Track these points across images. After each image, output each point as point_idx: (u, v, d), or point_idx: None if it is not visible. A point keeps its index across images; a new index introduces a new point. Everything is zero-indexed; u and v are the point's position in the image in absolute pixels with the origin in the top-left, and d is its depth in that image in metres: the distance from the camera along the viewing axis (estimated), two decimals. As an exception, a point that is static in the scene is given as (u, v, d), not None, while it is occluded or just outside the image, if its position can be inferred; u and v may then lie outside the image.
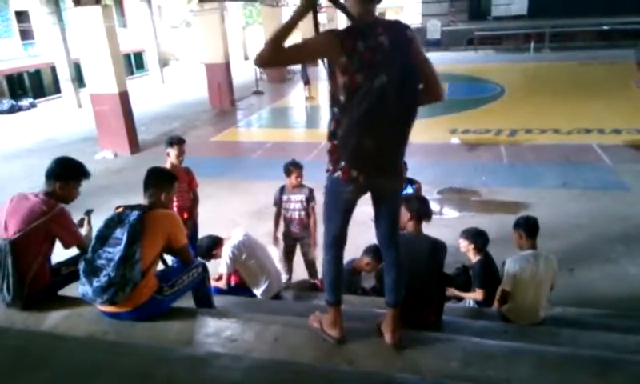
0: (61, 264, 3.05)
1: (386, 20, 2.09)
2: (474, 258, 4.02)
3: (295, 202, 4.80)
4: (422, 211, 3.14)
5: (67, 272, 3.00)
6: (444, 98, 2.21)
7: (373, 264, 4.26)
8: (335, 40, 1.99)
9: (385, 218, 2.39)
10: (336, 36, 2.01)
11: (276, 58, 2.05)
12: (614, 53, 22.16)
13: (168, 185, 2.95)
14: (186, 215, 4.68)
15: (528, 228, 3.49)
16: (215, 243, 4.03)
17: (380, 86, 1.91)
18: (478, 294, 3.97)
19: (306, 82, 16.53)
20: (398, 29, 2.04)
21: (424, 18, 30.60)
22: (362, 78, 1.95)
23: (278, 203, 4.90)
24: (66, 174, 2.94)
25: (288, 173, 4.75)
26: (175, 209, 4.40)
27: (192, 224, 4.83)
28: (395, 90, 1.92)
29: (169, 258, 3.05)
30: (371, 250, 4.26)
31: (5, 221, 2.75)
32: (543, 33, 25.63)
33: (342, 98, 2.02)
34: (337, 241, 2.36)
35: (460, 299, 4.20)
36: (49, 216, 2.76)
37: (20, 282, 2.69)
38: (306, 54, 2.16)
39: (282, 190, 4.88)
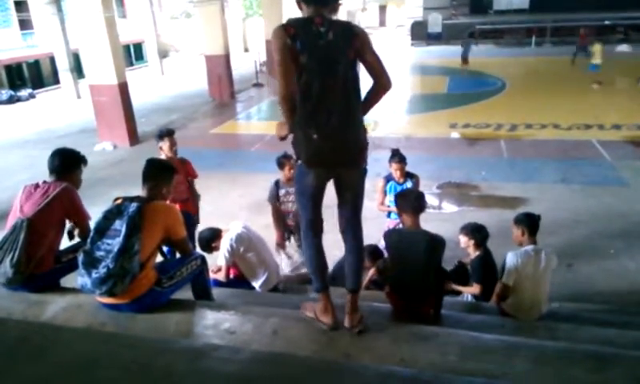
0: (61, 252, 3.09)
1: (333, 19, 2.32)
2: (473, 253, 4.02)
3: (292, 195, 4.77)
4: (417, 205, 3.13)
5: (67, 259, 3.05)
6: (389, 85, 2.39)
7: (368, 264, 4.25)
8: (281, 29, 2.24)
9: (346, 205, 2.52)
10: (281, 26, 2.26)
11: (284, 92, 2.30)
12: (614, 47, 22.11)
13: (167, 176, 2.95)
14: (178, 206, 4.65)
15: (530, 224, 3.49)
16: (215, 235, 4.03)
17: (320, 62, 2.19)
18: (475, 289, 3.98)
19: None
20: (342, 25, 2.32)
21: (425, 11, 30.50)
22: (305, 59, 2.20)
23: (276, 198, 4.72)
24: (71, 162, 3.12)
25: (281, 166, 4.62)
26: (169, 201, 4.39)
27: (192, 218, 4.80)
28: (334, 69, 2.20)
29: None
30: (368, 250, 4.26)
31: (21, 205, 2.89)
32: (545, 27, 25.56)
33: (296, 81, 2.26)
34: (311, 225, 2.48)
35: (458, 293, 4.21)
36: (61, 189, 2.92)
37: (27, 258, 2.77)
38: (282, 63, 2.26)
39: (277, 184, 4.74)
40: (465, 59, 18.22)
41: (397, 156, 4.67)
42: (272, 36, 2.24)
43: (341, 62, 2.23)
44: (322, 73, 2.20)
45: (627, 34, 17.54)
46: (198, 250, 3.81)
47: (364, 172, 2.50)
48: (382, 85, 2.39)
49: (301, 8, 2.34)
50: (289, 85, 2.27)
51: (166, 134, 4.65)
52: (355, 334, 2.45)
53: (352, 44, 2.27)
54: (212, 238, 4.02)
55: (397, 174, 4.69)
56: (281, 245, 4.76)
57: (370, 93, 2.42)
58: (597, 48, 15.89)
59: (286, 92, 2.28)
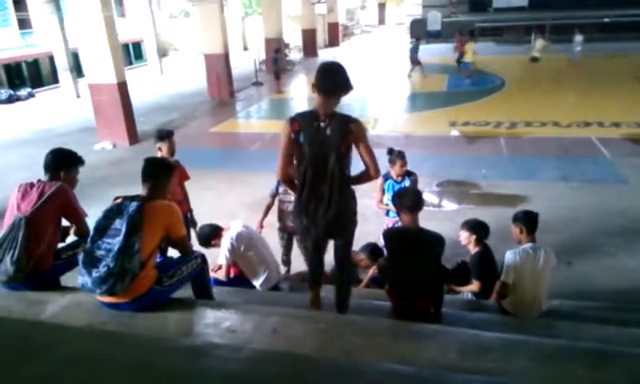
0: (60, 249, 3.10)
1: (337, 113, 2.71)
2: (473, 249, 4.03)
3: (292, 194, 4.78)
4: (415, 203, 3.14)
5: (66, 256, 3.06)
6: (376, 176, 2.82)
7: (367, 262, 4.28)
8: (289, 123, 2.72)
9: (338, 249, 3.03)
10: (290, 119, 2.74)
11: (280, 175, 2.87)
12: (614, 45, 22.10)
13: (167, 175, 2.95)
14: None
15: (529, 222, 3.49)
16: (215, 233, 4.03)
17: (315, 154, 2.63)
18: (474, 286, 3.99)
19: (277, 77, 16.99)
20: (341, 121, 2.68)
21: (424, 9, 30.46)
22: (305, 149, 2.66)
23: (274, 195, 4.84)
24: (67, 161, 3.12)
25: None
26: None
27: (187, 219, 4.80)
28: (330, 160, 2.62)
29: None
30: (368, 249, 4.28)
31: (17, 203, 2.89)
32: (544, 25, 25.51)
33: (296, 164, 2.75)
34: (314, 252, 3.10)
35: (457, 292, 4.22)
36: (57, 188, 2.93)
37: (27, 255, 2.77)
38: (282, 151, 2.78)
39: (279, 182, 4.83)
40: (415, 61, 17.39)
41: (399, 156, 4.68)
42: (282, 126, 2.76)
43: (331, 156, 2.62)
44: (315, 163, 2.64)
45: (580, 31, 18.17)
46: (197, 247, 3.81)
47: (354, 226, 2.97)
48: (369, 175, 2.80)
49: (314, 93, 2.71)
50: (284, 169, 2.81)
51: (166, 135, 4.61)
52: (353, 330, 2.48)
53: (346, 138, 2.66)
54: (212, 236, 4.02)
55: (396, 173, 4.69)
56: (261, 226, 4.89)
57: (359, 175, 2.84)
58: (539, 43, 16.28)
59: (282, 175, 2.84)
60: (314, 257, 3.10)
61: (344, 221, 2.81)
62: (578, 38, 17.50)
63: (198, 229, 4.23)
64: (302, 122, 2.68)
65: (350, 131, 2.67)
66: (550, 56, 19.04)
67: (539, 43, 16.69)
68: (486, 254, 3.99)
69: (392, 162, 4.71)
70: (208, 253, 3.29)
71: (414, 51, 17.61)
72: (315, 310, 3.10)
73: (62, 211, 3.00)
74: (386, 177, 4.77)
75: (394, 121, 12.72)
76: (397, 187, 4.64)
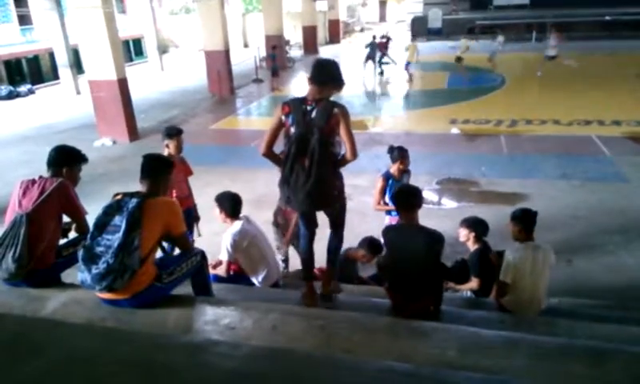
0: (61, 246, 3.10)
1: (322, 99, 2.96)
2: (472, 246, 4.02)
3: None
4: (415, 201, 3.14)
5: (67, 254, 3.07)
6: (353, 158, 3.01)
7: (368, 256, 4.27)
8: (281, 106, 3.04)
9: (330, 224, 3.33)
10: (282, 104, 3.04)
11: (262, 151, 3.18)
12: (615, 44, 22.07)
13: (166, 171, 2.95)
14: (182, 203, 4.66)
15: (527, 221, 3.49)
16: (239, 203, 3.95)
17: (300, 133, 2.89)
18: (473, 283, 3.99)
19: (274, 74, 16.93)
20: (326, 106, 2.93)
21: (425, 6, 30.41)
22: (293, 130, 2.95)
23: None
24: (70, 159, 3.13)
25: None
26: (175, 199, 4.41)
27: (190, 214, 4.81)
28: (312, 139, 2.85)
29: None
30: (366, 242, 4.28)
31: (19, 200, 2.89)
32: (545, 23, 25.46)
33: (285, 144, 2.98)
34: (305, 226, 3.29)
35: (457, 290, 4.22)
36: (58, 185, 2.93)
37: (28, 252, 2.78)
38: (270, 130, 3.11)
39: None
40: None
41: (402, 153, 4.65)
42: (275, 108, 3.08)
43: (314, 135, 2.86)
44: (298, 141, 2.89)
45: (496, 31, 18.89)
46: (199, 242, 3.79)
47: (341, 206, 3.23)
48: (348, 157, 3.02)
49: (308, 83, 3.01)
50: (268, 144, 3.11)
51: (176, 133, 4.60)
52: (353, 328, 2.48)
53: (328, 122, 2.91)
54: (236, 205, 3.92)
55: (398, 171, 4.68)
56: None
57: (341, 157, 3.08)
58: (463, 43, 16.66)
59: (264, 149, 3.14)
60: (306, 233, 3.30)
61: (324, 191, 2.99)
62: (500, 38, 18.35)
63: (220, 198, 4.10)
64: (292, 105, 2.98)
65: (333, 114, 2.91)
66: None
67: (463, 42, 16.88)
68: (485, 252, 3.99)
69: (395, 160, 4.67)
70: (207, 249, 3.29)
71: (372, 52, 17.79)
72: (309, 305, 3.16)
73: (63, 208, 3.00)
74: (387, 176, 4.70)
75: (394, 118, 12.72)
76: (396, 185, 4.62)
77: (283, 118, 3.00)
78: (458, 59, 16.13)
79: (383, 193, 4.71)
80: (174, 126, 4.83)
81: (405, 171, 4.74)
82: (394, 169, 4.69)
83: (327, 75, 2.99)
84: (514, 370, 2.19)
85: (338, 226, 3.33)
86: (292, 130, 2.95)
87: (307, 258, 3.40)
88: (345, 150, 3.01)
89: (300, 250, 3.57)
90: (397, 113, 13.48)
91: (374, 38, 18.73)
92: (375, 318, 2.80)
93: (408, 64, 16.61)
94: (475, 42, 21.26)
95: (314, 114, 2.92)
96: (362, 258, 4.33)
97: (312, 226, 3.28)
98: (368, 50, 18.19)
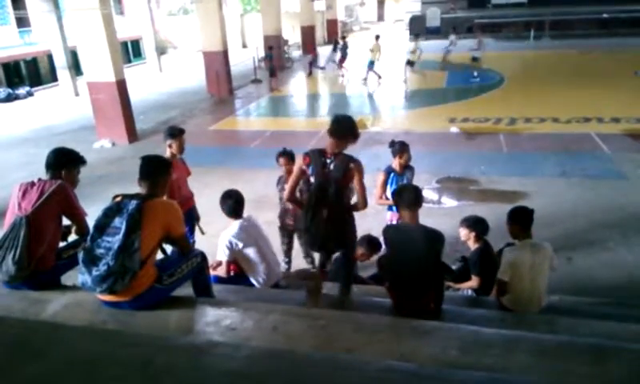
0: (61, 249, 3.10)
1: (340, 153, 3.27)
2: (473, 245, 4.02)
3: None
4: (415, 200, 3.14)
5: (67, 256, 3.07)
6: (364, 207, 3.37)
7: (367, 254, 4.27)
8: (303, 156, 3.34)
9: (339, 257, 3.82)
10: (305, 154, 3.34)
11: (287, 197, 3.60)
12: (613, 41, 22.08)
13: (165, 172, 2.94)
14: (185, 204, 4.66)
15: (524, 219, 3.48)
16: (241, 203, 3.95)
17: (319, 184, 3.22)
18: (473, 282, 3.99)
19: (272, 74, 16.92)
20: (344, 160, 3.25)
21: (424, 5, 30.42)
22: (314, 180, 3.28)
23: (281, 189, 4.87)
24: (69, 161, 3.14)
25: (278, 162, 4.80)
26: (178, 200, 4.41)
27: (191, 215, 4.82)
28: (330, 190, 3.19)
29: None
30: (364, 241, 4.27)
31: (19, 202, 2.89)
32: (543, 21, 25.49)
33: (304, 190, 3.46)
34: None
35: (457, 289, 4.22)
36: (57, 187, 2.93)
37: (28, 255, 2.78)
38: (292, 179, 3.48)
39: (279, 180, 4.89)
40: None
41: (403, 147, 4.69)
42: (298, 159, 3.47)
43: (332, 187, 3.18)
44: (318, 191, 3.22)
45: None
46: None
47: (352, 242, 3.63)
48: (360, 207, 3.38)
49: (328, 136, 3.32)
50: (291, 192, 3.47)
51: (178, 133, 4.60)
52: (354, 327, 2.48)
53: (345, 175, 3.23)
54: (238, 205, 3.92)
55: (399, 165, 4.69)
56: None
57: (352, 205, 3.50)
58: (412, 46, 16.48)
59: (288, 197, 3.51)
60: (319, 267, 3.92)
61: (340, 236, 3.36)
62: (452, 37, 18.82)
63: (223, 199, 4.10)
64: (312, 157, 3.30)
65: (350, 169, 3.24)
66: (549, 52, 19.02)
67: (412, 46, 16.53)
68: (486, 251, 3.99)
69: (395, 154, 4.70)
70: (208, 250, 3.29)
71: (314, 61, 17.79)
72: (313, 305, 3.23)
73: (62, 210, 3.00)
74: (389, 170, 4.74)
75: (394, 117, 12.72)
76: (399, 179, 4.65)
77: (304, 167, 3.31)
78: (410, 63, 16.10)
79: (385, 187, 4.73)
80: (176, 126, 4.84)
81: (407, 166, 4.75)
82: (395, 163, 4.72)
83: (346, 130, 3.27)
84: (515, 369, 2.19)
85: (347, 254, 3.67)
86: (312, 179, 3.29)
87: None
88: (357, 196, 3.37)
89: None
90: (396, 112, 13.47)
91: (344, 39, 19.01)
92: (376, 318, 2.79)
93: (371, 64, 16.62)
94: (425, 42, 21.43)
95: (332, 166, 3.23)
96: (360, 257, 4.33)
97: (327, 260, 3.87)
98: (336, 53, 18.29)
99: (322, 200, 3.20)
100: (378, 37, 16.56)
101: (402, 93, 15.43)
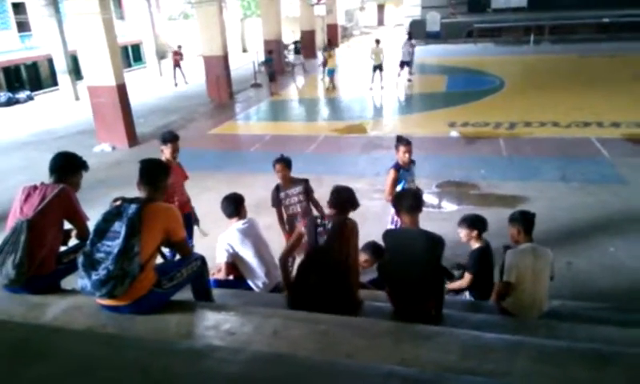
0: (61, 253, 3.09)
1: (336, 216, 3.30)
2: (474, 245, 4.00)
3: (293, 197, 4.79)
4: (415, 204, 3.14)
5: (68, 261, 3.06)
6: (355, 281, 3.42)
7: (371, 261, 4.25)
8: (302, 222, 3.44)
9: None
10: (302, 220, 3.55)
11: (284, 256, 3.52)
12: (613, 45, 22.13)
13: (164, 176, 2.94)
14: (182, 208, 4.68)
15: (526, 223, 3.48)
16: (239, 202, 4.02)
17: (314, 249, 3.25)
18: (464, 280, 3.97)
19: (272, 79, 16.93)
20: (340, 222, 3.24)
21: (423, 10, 30.43)
22: (308, 244, 3.29)
23: (277, 203, 4.87)
24: (72, 165, 3.15)
25: (274, 168, 4.81)
26: (177, 204, 4.43)
27: (189, 219, 4.84)
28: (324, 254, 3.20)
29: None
30: (369, 247, 4.24)
31: (20, 207, 2.89)
32: (543, 25, 25.55)
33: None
34: None
35: (457, 292, 4.21)
36: (59, 191, 2.93)
37: (29, 259, 2.77)
38: (293, 240, 3.50)
39: (278, 188, 4.86)
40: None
41: (403, 140, 4.76)
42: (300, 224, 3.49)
43: (327, 251, 3.19)
44: (312, 255, 3.25)
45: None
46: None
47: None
48: (352, 279, 3.32)
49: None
50: (288, 253, 3.54)
51: (170, 138, 4.68)
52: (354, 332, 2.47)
53: (340, 235, 3.20)
54: (236, 207, 3.99)
55: (405, 158, 4.73)
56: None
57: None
58: (375, 50, 16.38)
59: (284, 257, 3.49)
60: None
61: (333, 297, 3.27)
62: (414, 41, 18.45)
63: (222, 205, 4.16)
64: (309, 222, 3.38)
65: (342, 231, 3.22)
66: (549, 57, 19.05)
67: (374, 50, 16.34)
68: (486, 251, 3.98)
69: (398, 148, 4.77)
70: (207, 255, 3.29)
71: (269, 64, 17.58)
72: None
73: (65, 214, 3.00)
74: (397, 166, 4.78)
75: (394, 122, 12.73)
76: (406, 174, 4.73)
77: (303, 229, 3.37)
78: (377, 68, 16.06)
79: (395, 184, 4.74)
80: (169, 132, 4.91)
81: (411, 161, 4.83)
82: (400, 158, 4.77)
83: (345, 202, 3.36)
84: (516, 374, 2.18)
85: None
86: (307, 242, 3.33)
87: None
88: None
89: None
90: (396, 116, 13.49)
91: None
92: (376, 323, 2.79)
93: (332, 72, 16.90)
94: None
95: (327, 226, 3.29)
96: (364, 264, 4.31)
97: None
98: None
99: (315, 263, 3.21)
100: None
101: (403, 94, 15.44)
